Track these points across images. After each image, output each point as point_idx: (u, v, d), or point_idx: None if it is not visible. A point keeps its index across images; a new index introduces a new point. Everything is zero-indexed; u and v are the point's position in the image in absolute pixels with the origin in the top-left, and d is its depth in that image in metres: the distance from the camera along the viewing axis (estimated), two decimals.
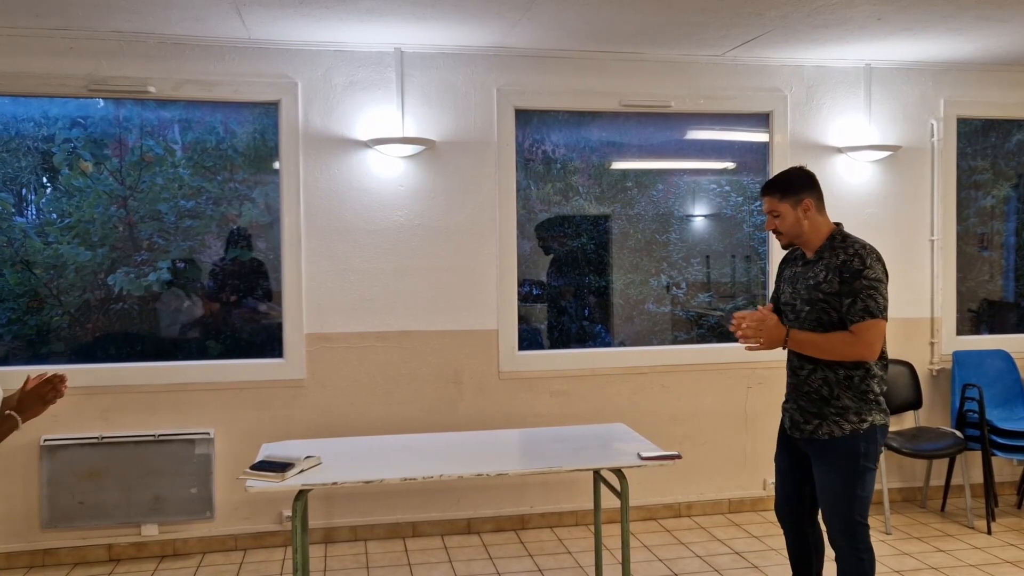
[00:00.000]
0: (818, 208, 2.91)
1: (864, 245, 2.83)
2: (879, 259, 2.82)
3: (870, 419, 2.83)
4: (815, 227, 2.89)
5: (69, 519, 4.13)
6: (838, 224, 2.95)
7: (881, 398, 2.88)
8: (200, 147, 4.37)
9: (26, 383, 2.51)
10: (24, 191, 4.25)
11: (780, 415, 3.16)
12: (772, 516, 4.71)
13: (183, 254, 4.38)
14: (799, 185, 2.90)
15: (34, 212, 4.27)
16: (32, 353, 4.21)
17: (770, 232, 3.05)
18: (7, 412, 2.42)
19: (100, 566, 4.16)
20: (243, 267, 4.47)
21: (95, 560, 4.20)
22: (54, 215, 4.25)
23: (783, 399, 3.10)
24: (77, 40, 4.07)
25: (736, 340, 2.98)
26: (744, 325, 2.87)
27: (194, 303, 4.37)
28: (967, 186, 5.18)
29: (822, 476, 2.91)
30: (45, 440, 4.10)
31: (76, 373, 4.15)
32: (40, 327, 4.24)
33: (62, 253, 4.24)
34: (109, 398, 4.19)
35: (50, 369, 2.58)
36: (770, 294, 3.33)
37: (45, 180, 4.25)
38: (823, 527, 3.04)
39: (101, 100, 4.24)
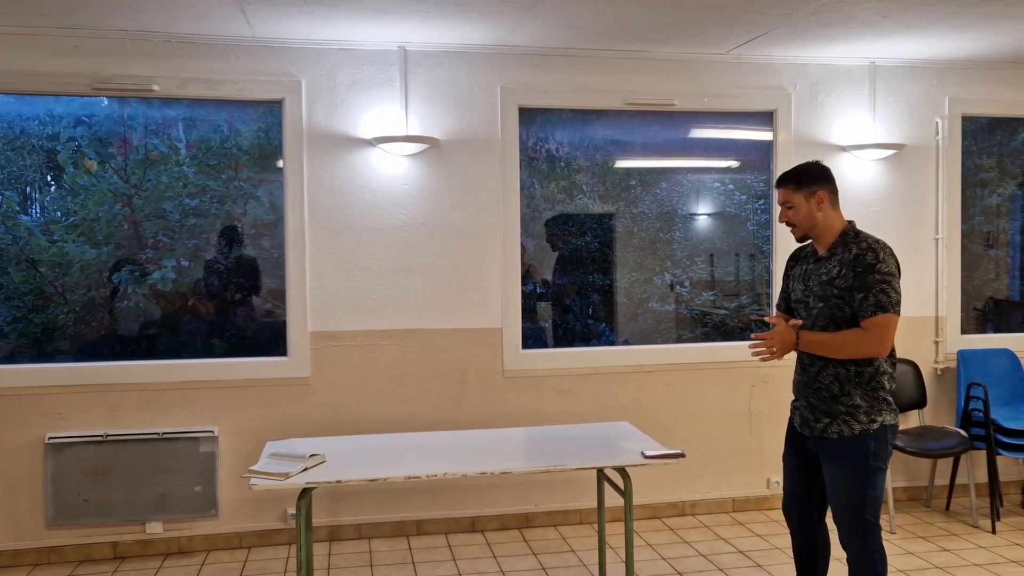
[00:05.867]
0: (832, 203, 2.91)
1: (877, 240, 2.84)
2: (891, 254, 2.82)
3: (880, 419, 2.82)
4: (828, 222, 2.89)
5: (74, 517, 4.14)
6: (851, 222, 2.94)
7: (891, 396, 2.87)
8: (204, 145, 4.38)
9: None
10: (29, 189, 4.26)
11: (785, 414, 3.15)
12: (777, 515, 4.71)
13: (188, 252, 4.39)
14: (813, 178, 2.91)
15: (39, 210, 4.28)
16: (37, 351, 4.22)
17: (783, 226, 3.03)
18: None
19: (105, 564, 4.17)
20: (247, 265, 4.48)
21: (100, 558, 4.21)
22: (59, 213, 4.26)
23: (792, 397, 3.08)
24: (82, 39, 4.08)
25: (746, 341, 3.01)
26: (759, 344, 2.90)
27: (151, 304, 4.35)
28: (972, 184, 5.16)
29: (832, 477, 2.89)
30: (50, 438, 4.10)
31: (81, 371, 4.18)
32: (45, 325, 4.25)
33: (67, 251, 4.24)
34: (114, 396, 4.20)
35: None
36: (776, 293, 3.31)
37: (50, 178, 4.26)
38: (830, 527, 3.03)
39: (105, 99, 4.25)
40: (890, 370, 2.87)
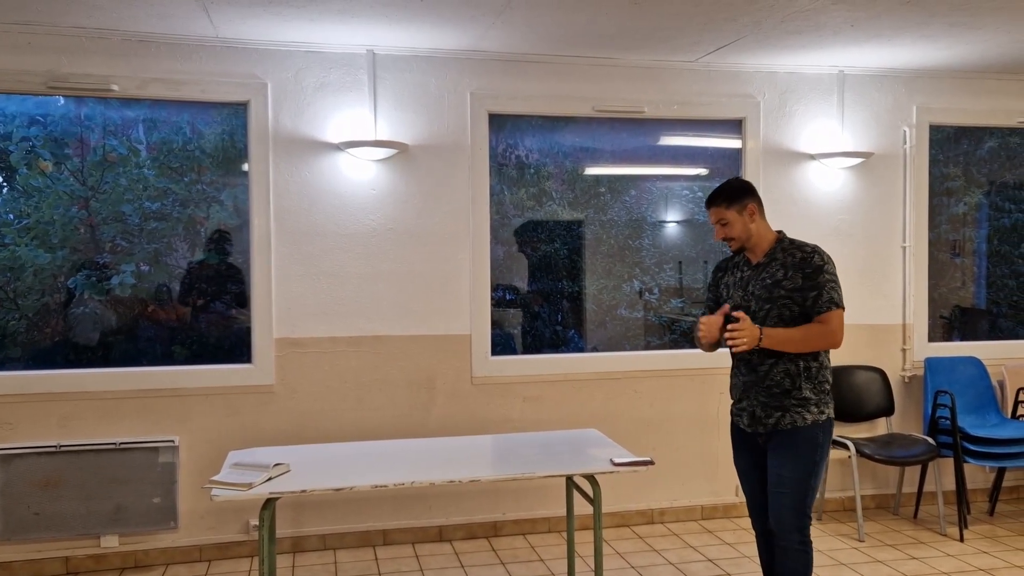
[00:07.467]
0: (761, 213, 3.08)
1: (816, 245, 3.02)
2: (831, 258, 3.01)
3: (827, 412, 2.99)
4: (761, 231, 3.06)
5: (24, 531, 3.99)
6: (780, 231, 3.10)
7: (830, 390, 3.05)
8: (166, 147, 4.27)
9: None
10: None
11: None
12: (745, 523, 4.70)
13: (148, 257, 4.27)
14: (742, 192, 3.06)
15: None
16: None
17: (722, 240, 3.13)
18: None
19: None
20: (210, 270, 4.37)
21: (52, 573, 4.06)
22: (11, 216, 4.12)
23: (733, 401, 3.16)
24: (36, 35, 3.96)
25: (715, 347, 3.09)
26: (736, 333, 2.87)
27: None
28: (939, 193, 5.21)
29: (780, 466, 2.96)
30: None
31: (33, 379, 4.05)
32: None
33: (19, 255, 4.11)
34: (68, 405, 4.06)
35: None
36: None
37: (1, 180, 4.13)
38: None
39: (61, 98, 4.12)
40: (830, 365, 3.05)
